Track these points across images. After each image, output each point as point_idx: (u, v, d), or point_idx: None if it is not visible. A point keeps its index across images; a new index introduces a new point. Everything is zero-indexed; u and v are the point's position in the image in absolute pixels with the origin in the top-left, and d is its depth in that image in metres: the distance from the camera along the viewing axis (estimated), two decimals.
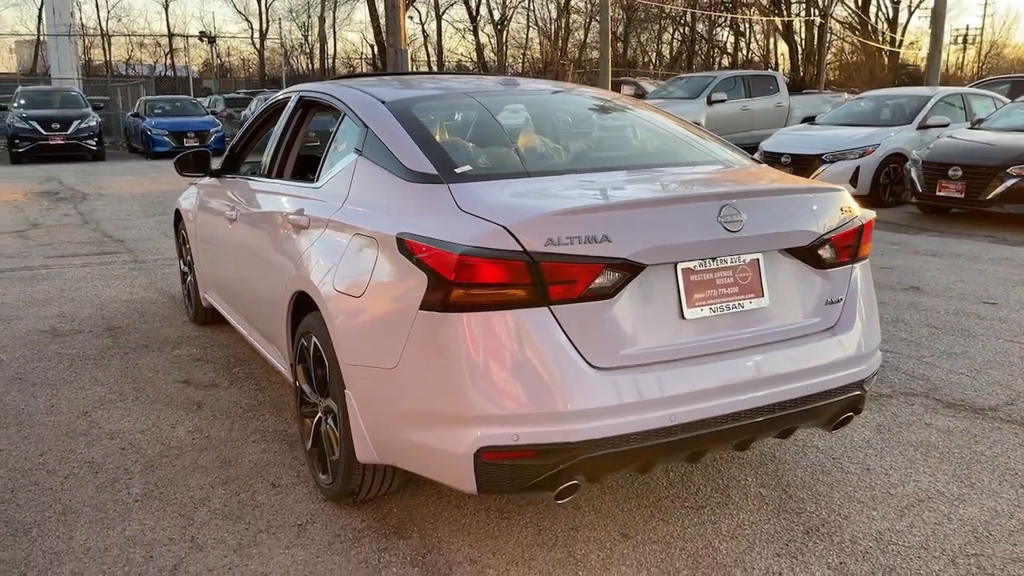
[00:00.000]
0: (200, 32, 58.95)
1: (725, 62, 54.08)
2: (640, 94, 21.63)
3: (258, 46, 65.75)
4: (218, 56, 65.90)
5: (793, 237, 2.68)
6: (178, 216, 5.55)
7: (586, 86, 3.98)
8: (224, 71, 67.96)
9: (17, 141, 19.27)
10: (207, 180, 4.78)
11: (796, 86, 38.44)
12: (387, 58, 22.67)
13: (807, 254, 2.73)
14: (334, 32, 63.27)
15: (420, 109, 3.16)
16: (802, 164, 11.10)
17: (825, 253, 2.76)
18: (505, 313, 2.31)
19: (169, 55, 70.67)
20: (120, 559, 2.73)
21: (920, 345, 5.00)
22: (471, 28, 53.75)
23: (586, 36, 51.54)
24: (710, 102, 16.04)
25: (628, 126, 3.52)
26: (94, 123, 20.20)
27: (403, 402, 2.52)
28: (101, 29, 64.22)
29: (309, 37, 63.34)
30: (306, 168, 3.85)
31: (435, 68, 49.24)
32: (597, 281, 2.36)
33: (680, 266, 2.51)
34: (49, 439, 3.69)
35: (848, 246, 2.83)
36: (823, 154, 11.04)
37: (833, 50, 52.30)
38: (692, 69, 47.70)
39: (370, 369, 2.62)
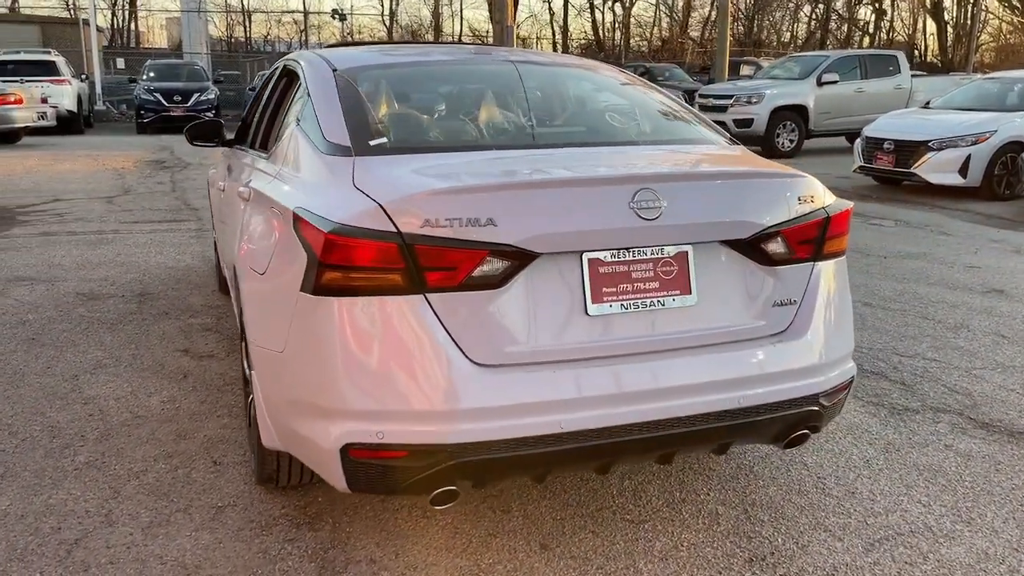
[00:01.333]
0: (332, 10, 60.64)
1: (866, 43, 51.11)
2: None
3: (387, 24, 67.06)
4: (349, 34, 67.61)
5: (729, 228, 2.36)
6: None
7: (585, 60, 3.68)
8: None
9: (143, 112, 20.31)
10: (222, 150, 4.77)
11: (943, 68, 35.87)
12: (494, 35, 22.61)
13: (750, 249, 2.40)
14: (461, 10, 63.65)
15: (369, 78, 2.99)
16: (906, 151, 10.28)
17: (774, 248, 2.42)
18: (376, 299, 2.12)
19: (304, 32, 73.14)
20: (29, 528, 2.72)
21: (976, 355, 4.47)
22: (588, 7, 52.81)
23: (710, 14, 49.82)
24: (820, 83, 15.10)
25: (596, 103, 3.22)
26: (212, 96, 21.02)
27: (289, 389, 2.37)
28: (242, 6, 67.07)
29: (439, 16, 64.01)
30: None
31: (559, 47, 48.70)
32: (480, 269, 2.12)
33: (586, 256, 2.24)
34: (27, 400, 3.75)
35: (807, 241, 2.48)
36: (929, 141, 10.16)
37: (989, 30, 48.54)
38: (825, 49, 45.34)
39: (266, 351, 2.49)
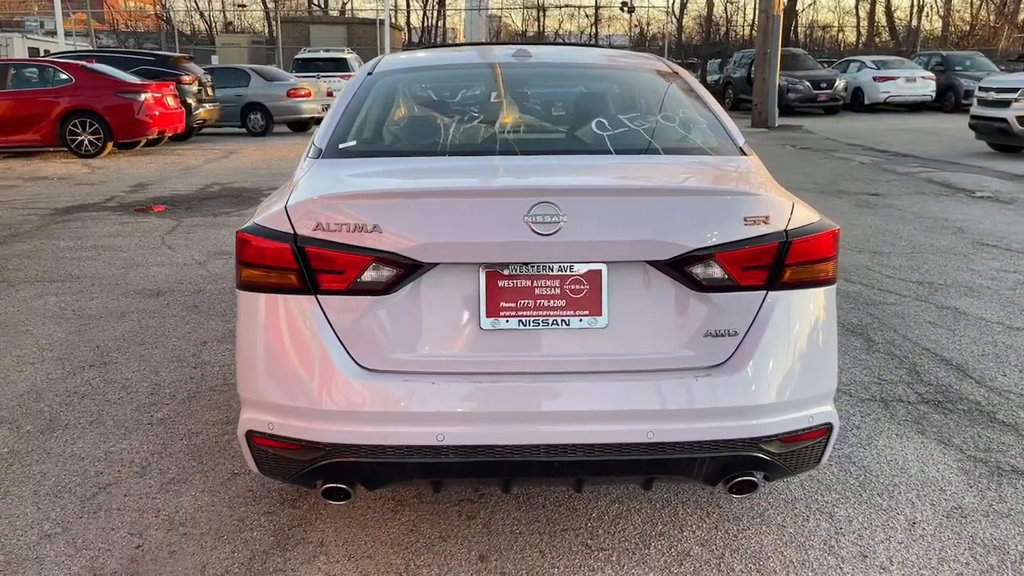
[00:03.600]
0: (622, 3, 61.21)
1: None
2: None
3: (677, 16, 66.29)
4: (636, 26, 67.86)
5: (648, 249, 2.16)
6: None
7: (632, 60, 3.42)
8: (643, 40, 69.67)
9: None
10: None
11: None
12: (758, 24, 21.63)
13: (680, 272, 2.18)
14: None
15: (390, 82, 3.09)
16: None
17: (706, 273, 2.18)
18: (276, 297, 2.23)
19: (595, 25, 74.55)
20: (79, 470, 3.17)
21: None
22: None
23: None
24: None
25: (597, 108, 3.03)
26: None
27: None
28: (537, 2, 69.80)
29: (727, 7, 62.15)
30: None
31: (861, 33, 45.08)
32: (367, 275, 2.16)
33: (484, 269, 2.18)
34: (154, 359, 4.33)
35: (756, 267, 2.20)
36: None
37: None
38: None
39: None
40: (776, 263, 2.21)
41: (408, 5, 62.15)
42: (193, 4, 63.06)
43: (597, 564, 2.57)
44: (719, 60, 31.66)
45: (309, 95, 18.50)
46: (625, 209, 2.16)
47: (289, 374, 2.21)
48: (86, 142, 13.72)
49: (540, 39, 68.60)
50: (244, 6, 59.24)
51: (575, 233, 2.12)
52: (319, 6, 59.40)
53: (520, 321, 2.18)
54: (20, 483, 3.07)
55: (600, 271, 2.19)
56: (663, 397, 2.16)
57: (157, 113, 14.01)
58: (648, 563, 2.58)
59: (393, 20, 59.29)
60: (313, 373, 2.19)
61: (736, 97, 26.35)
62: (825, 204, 9.07)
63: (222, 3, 62.74)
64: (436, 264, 2.16)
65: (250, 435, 2.30)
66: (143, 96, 13.71)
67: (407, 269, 2.15)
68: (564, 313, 2.19)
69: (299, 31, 28.21)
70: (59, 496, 2.98)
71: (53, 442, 3.40)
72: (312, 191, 2.27)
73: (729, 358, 2.22)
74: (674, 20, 66.17)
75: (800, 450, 2.31)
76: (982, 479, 3.10)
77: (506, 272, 2.18)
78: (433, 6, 60.52)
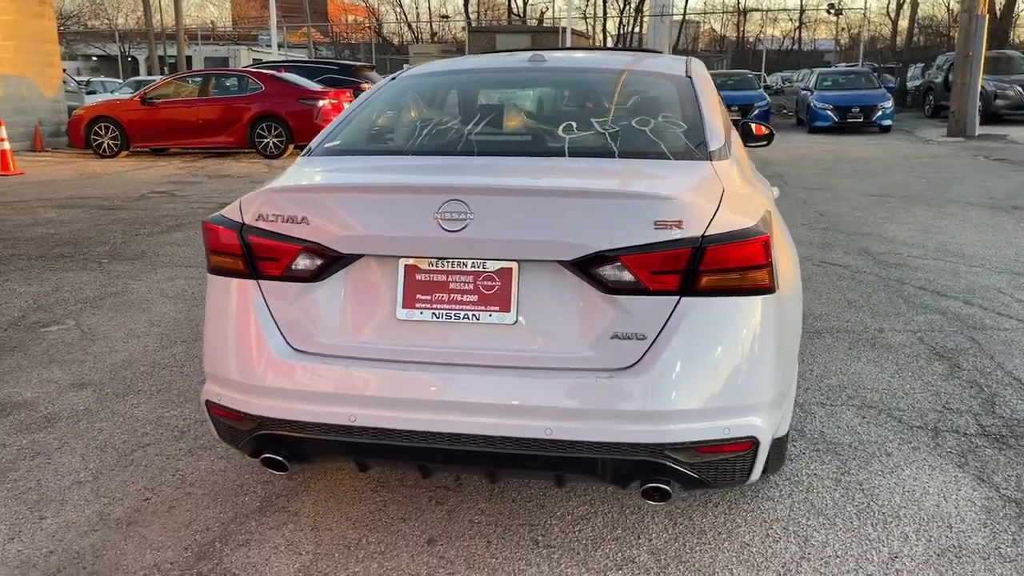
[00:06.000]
0: (829, 5, 58.34)
1: None
2: None
3: (892, 17, 62.21)
4: (844, 28, 64.37)
5: (555, 249, 2.18)
6: None
7: (642, 64, 3.37)
8: (853, 43, 65.91)
9: None
10: None
11: None
12: (959, 24, 19.96)
13: (588, 274, 2.19)
14: None
15: (403, 86, 3.27)
16: None
17: (613, 275, 2.17)
18: (229, 280, 2.45)
19: (798, 29, 71.49)
20: (130, 430, 3.58)
21: None
22: None
23: None
24: None
25: (579, 112, 3.02)
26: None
27: None
28: (738, 6, 68.02)
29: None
30: None
31: None
32: (298, 263, 2.33)
33: (403, 262, 2.30)
34: None
35: (668, 272, 2.16)
36: None
37: None
38: None
39: None
40: (689, 269, 2.16)
41: (605, 12, 62.62)
42: (402, 16, 66.92)
43: (536, 560, 2.61)
44: (922, 64, 29.47)
45: None
46: (534, 209, 2.20)
47: (234, 350, 2.43)
48: (271, 144, 14.99)
49: (740, 45, 66.74)
50: (447, 17, 62.10)
51: (483, 231, 2.19)
52: (518, 16, 61.13)
53: (434, 313, 2.28)
54: (79, 436, 3.51)
55: (511, 269, 2.24)
56: (564, 396, 2.18)
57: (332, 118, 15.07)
58: (588, 565, 2.58)
59: (585, 28, 59.98)
60: (251, 351, 2.39)
61: (936, 104, 24.46)
62: (988, 220, 8.34)
63: (428, 15, 66.04)
64: (361, 256, 2.30)
65: (208, 405, 2.54)
66: (321, 103, 14.80)
67: (331, 259, 2.31)
68: (476, 308, 2.26)
69: (486, 40, 29.26)
70: (104, 450, 3.39)
71: (122, 404, 3.85)
72: (267, 185, 2.48)
73: (636, 362, 2.20)
74: (889, 22, 62.14)
75: (719, 462, 2.24)
76: (1004, 520, 2.83)
77: (424, 266, 2.28)
78: (629, 13, 60.57)
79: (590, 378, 2.19)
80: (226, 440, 2.60)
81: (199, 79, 15.99)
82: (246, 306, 2.42)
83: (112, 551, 2.69)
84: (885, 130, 20.94)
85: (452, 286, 2.27)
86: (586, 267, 2.18)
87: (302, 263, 2.33)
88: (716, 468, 2.25)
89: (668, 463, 2.19)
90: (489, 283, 2.25)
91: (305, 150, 2.90)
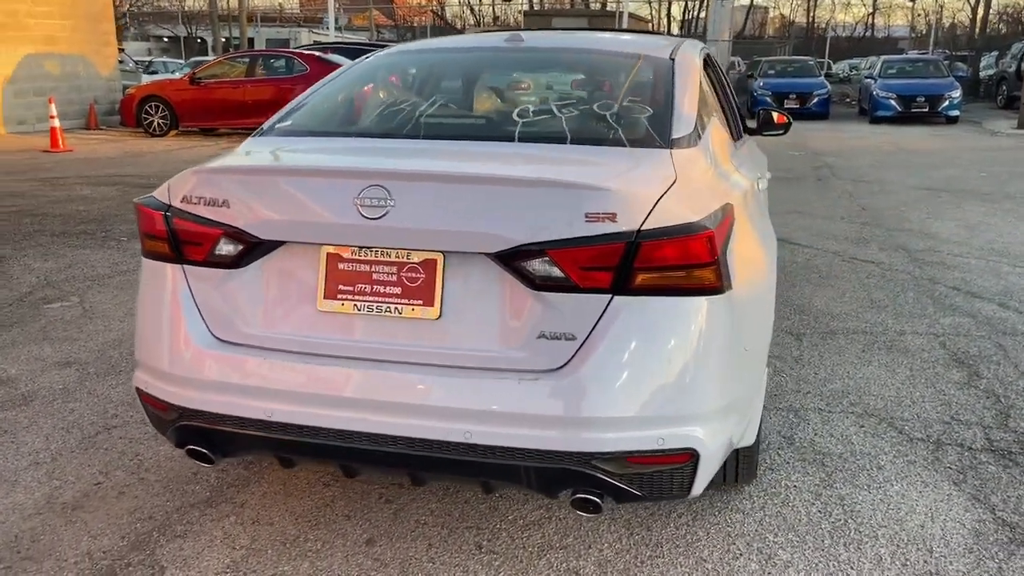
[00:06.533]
0: None
1: None
2: None
3: (972, 2, 59.71)
4: (921, 14, 62.08)
5: (480, 240, 2.03)
6: None
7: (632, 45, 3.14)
8: (929, 30, 63.63)
9: None
10: None
11: None
12: None
13: (515, 268, 2.03)
14: None
15: (379, 64, 3.14)
16: None
17: (541, 269, 2.01)
18: (157, 264, 2.36)
19: (871, 15, 69.33)
20: None
21: None
22: None
23: None
24: None
25: (553, 96, 2.84)
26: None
27: None
28: None
29: None
30: None
31: None
32: (220, 248, 2.22)
33: (325, 250, 2.17)
34: None
35: (599, 268, 1.99)
36: None
37: None
38: None
39: None
40: (623, 266, 1.99)
41: None
42: (465, 0, 66.91)
43: (475, 566, 2.47)
44: (996, 53, 28.19)
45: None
46: (458, 197, 2.05)
47: (159, 337, 2.34)
48: None
49: (809, 31, 64.87)
50: (509, 1, 61.74)
51: (404, 219, 2.05)
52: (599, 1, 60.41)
53: (355, 305, 2.15)
54: (50, 416, 3.49)
55: (436, 260, 2.10)
56: (485, 398, 2.04)
57: None
58: (528, 574, 2.44)
59: (649, 12, 58.97)
60: (175, 338, 2.29)
61: (1009, 94, 23.40)
62: None
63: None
64: (283, 242, 2.18)
65: (138, 392, 2.46)
66: None
67: (251, 245, 2.19)
68: (399, 301, 2.13)
69: (542, 23, 28.92)
70: (69, 431, 3.35)
71: (100, 384, 3.83)
72: (200, 165, 2.38)
73: (564, 364, 2.04)
74: (968, 8, 59.63)
75: (653, 475, 2.07)
76: (992, 545, 2.60)
77: (346, 255, 2.15)
78: None
79: (513, 380, 2.04)
80: (156, 428, 2.52)
81: (247, 60, 16.10)
82: (172, 292, 2.32)
83: (50, 536, 2.64)
84: (952, 121, 20.09)
85: (375, 277, 2.14)
86: (512, 261, 2.03)
87: (224, 249, 2.22)
88: (650, 481, 2.08)
89: (596, 474, 2.03)
90: (413, 275, 2.11)
91: (257, 130, 2.79)
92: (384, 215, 2.06)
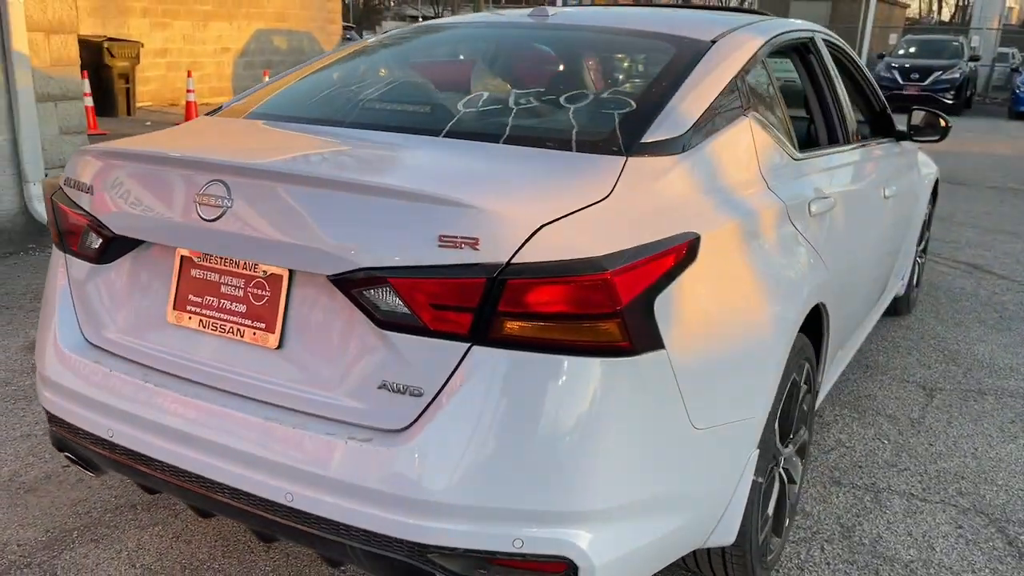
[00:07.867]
0: None
1: None
2: None
3: None
4: None
5: (319, 258, 1.59)
6: None
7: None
8: None
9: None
10: None
11: None
12: None
13: (352, 297, 1.59)
14: None
15: (358, 50, 2.79)
16: None
17: (385, 302, 1.55)
18: (55, 255, 2.15)
19: None
20: None
21: None
22: None
23: None
24: None
25: (536, 84, 2.27)
26: (957, 75, 19.11)
27: None
28: None
29: None
30: None
31: None
32: (86, 239, 1.96)
33: (180, 252, 1.84)
34: None
35: (454, 308, 1.50)
36: None
37: None
38: None
39: None
40: (484, 307, 1.49)
41: None
42: None
43: None
44: None
45: None
46: (301, 202, 1.63)
47: (43, 335, 2.12)
48: None
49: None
50: None
51: (239, 224, 1.67)
52: None
53: (200, 321, 1.81)
54: None
55: (281, 277, 1.71)
56: (308, 456, 1.62)
57: None
58: None
59: None
60: (48, 335, 2.07)
61: None
62: None
63: None
64: (141, 241, 1.88)
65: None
66: None
67: (108, 239, 1.91)
68: (242, 322, 1.75)
69: (778, 8, 26.93)
70: None
71: None
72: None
73: (407, 426, 1.57)
74: None
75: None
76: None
77: (198, 261, 1.81)
78: None
79: (341, 436, 1.61)
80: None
81: None
82: (54, 284, 2.10)
83: None
84: None
85: (224, 289, 1.78)
86: (351, 287, 1.59)
87: (89, 240, 1.96)
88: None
89: (435, 572, 1.56)
90: (259, 292, 1.74)
91: (212, 109, 2.51)
92: (219, 216, 1.69)
